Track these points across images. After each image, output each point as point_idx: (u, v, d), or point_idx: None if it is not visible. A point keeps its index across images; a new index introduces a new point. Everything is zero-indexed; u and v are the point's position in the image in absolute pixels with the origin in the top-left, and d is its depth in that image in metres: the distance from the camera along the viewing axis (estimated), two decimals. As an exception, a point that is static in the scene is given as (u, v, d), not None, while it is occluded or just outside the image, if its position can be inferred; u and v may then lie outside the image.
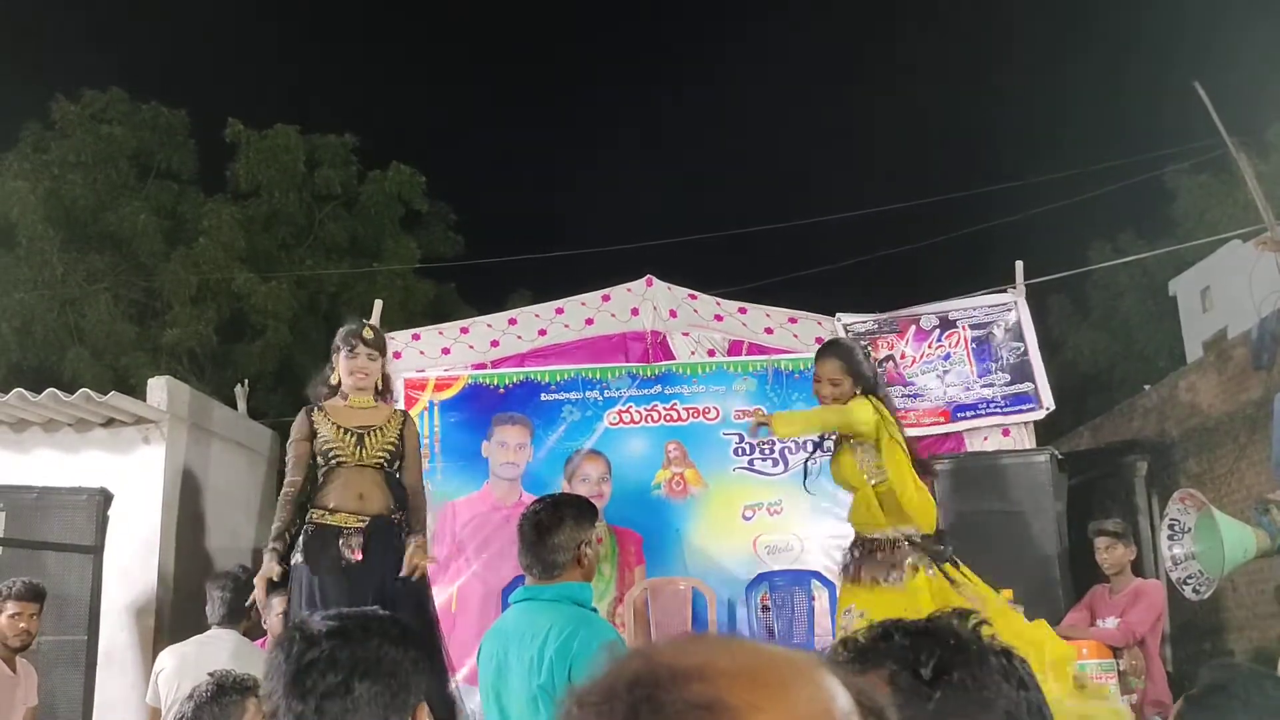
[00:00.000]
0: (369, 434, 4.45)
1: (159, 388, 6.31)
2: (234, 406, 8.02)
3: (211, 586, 5.18)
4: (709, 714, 0.69)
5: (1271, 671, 2.31)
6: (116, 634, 5.75)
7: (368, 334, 4.61)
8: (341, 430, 4.43)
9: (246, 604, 4.52)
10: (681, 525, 6.50)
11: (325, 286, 15.85)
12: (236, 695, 2.64)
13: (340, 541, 4.26)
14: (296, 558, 4.29)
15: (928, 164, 28.36)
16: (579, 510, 3.11)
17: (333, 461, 4.40)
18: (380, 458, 4.44)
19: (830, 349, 4.63)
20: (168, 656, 4.97)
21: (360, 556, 4.25)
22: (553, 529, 2.99)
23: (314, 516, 4.36)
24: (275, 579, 4.22)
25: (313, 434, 4.45)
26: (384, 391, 4.70)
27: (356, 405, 4.53)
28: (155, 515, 6.03)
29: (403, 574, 4.32)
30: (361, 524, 4.30)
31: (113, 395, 5.99)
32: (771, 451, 6.59)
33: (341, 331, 4.68)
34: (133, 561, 5.89)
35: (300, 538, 4.32)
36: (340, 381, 4.55)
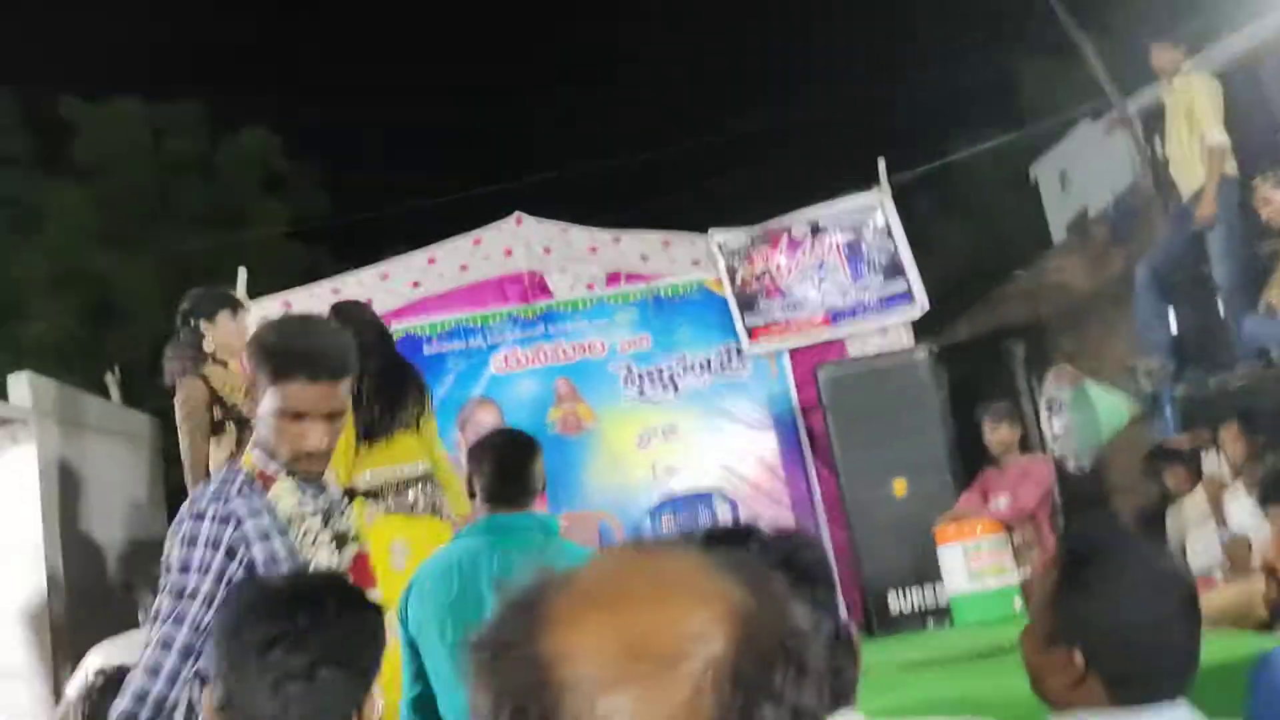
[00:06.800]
0: None
1: (20, 384, 6.03)
2: (108, 396, 7.73)
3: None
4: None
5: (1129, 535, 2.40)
6: (13, 644, 5.55)
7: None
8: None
9: None
10: (579, 460, 6.52)
11: (195, 261, 15.33)
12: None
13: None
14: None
15: (785, 73, 28.52)
16: (536, 440, 3.16)
17: None
18: None
19: None
20: None
21: None
22: (531, 458, 3.01)
23: None
24: None
25: (214, 400, 4.37)
26: None
27: (237, 371, 4.47)
28: (35, 517, 5.81)
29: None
30: None
31: (-30, 399, 5.72)
32: (660, 378, 6.65)
33: (216, 295, 4.70)
34: (18, 567, 5.67)
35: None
36: (216, 348, 4.53)
